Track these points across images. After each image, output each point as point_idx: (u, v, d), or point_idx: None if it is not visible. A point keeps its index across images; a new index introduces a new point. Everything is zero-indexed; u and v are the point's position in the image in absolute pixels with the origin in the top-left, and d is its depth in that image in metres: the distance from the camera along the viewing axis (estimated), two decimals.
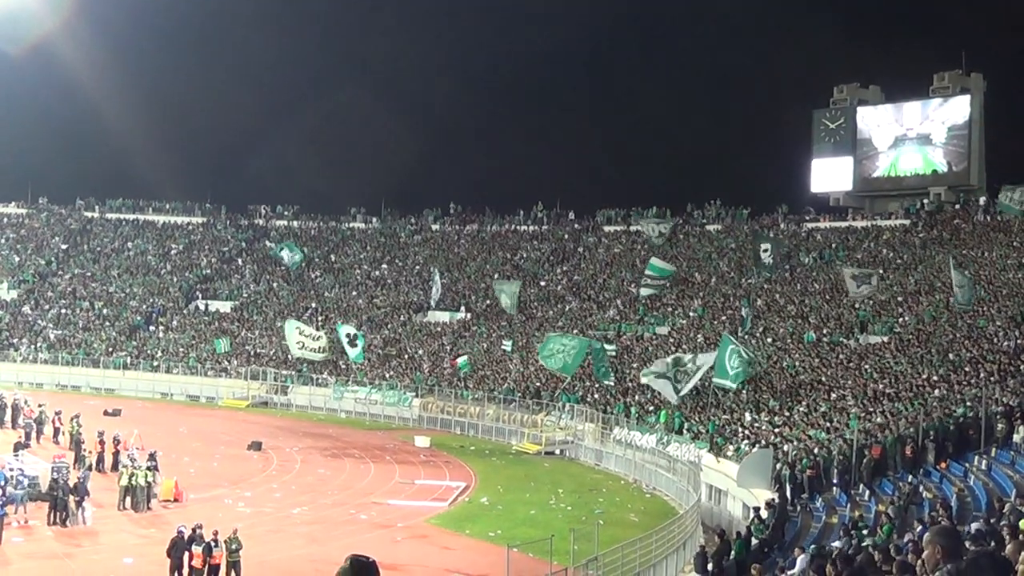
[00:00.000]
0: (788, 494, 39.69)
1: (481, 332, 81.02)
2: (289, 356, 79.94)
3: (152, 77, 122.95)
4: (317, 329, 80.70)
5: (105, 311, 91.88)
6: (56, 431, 54.67)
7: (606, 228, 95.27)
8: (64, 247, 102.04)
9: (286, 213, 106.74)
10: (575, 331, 72.87)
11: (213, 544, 30.91)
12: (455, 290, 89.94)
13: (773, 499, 38.13)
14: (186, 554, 30.99)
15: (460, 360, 74.35)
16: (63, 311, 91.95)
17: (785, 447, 43.90)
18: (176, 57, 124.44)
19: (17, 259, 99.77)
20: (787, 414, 50.07)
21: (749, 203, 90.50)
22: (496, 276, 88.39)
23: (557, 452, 60.39)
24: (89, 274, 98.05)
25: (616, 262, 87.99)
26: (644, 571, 32.77)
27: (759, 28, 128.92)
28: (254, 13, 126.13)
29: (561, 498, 47.73)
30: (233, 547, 31.20)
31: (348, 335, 76.89)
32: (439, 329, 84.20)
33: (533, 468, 56.09)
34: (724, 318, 70.65)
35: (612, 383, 63.86)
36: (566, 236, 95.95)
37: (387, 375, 76.21)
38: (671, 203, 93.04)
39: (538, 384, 67.94)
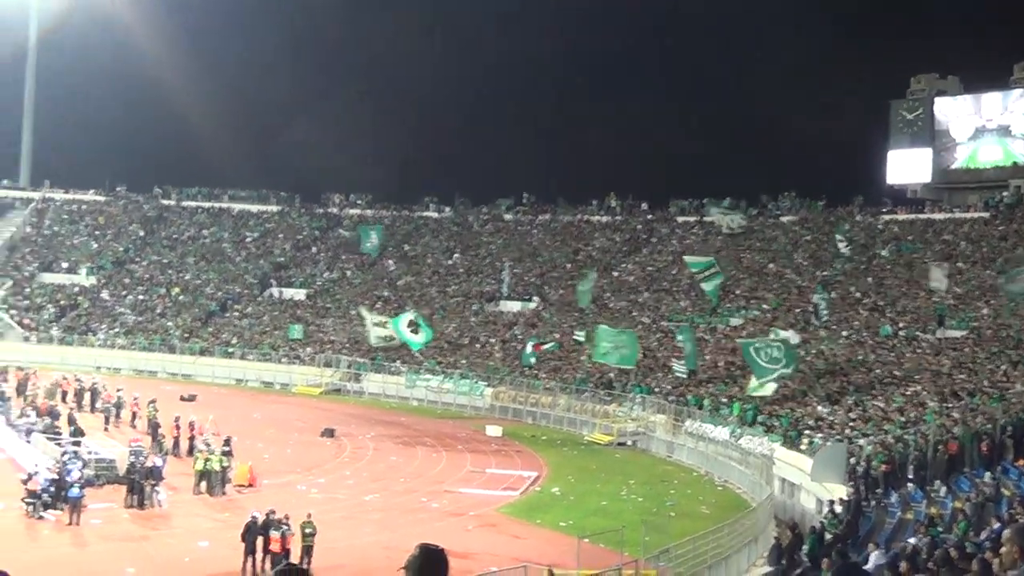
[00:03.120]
0: (862, 489, 39.33)
1: (553, 322, 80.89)
2: (361, 344, 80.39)
3: (229, 67, 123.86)
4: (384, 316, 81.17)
5: (181, 298, 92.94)
6: (134, 415, 55.48)
7: (679, 219, 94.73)
8: (141, 234, 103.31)
9: (359, 202, 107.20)
10: (626, 324, 73.41)
11: (286, 528, 31.24)
12: (527, 280, 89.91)
13: (848, 494, 37.81)
14: (259, 538, 31.31)
15: (547, 346, 74.17)
16: (140, 297, 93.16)
17: (860, 441, 43.52)
18: (253, 46, 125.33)
19: (96, 245, 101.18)
20: (862, 408, 49.61)
21: (824, 195, 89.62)
22: (575, 276, 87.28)
23: (628, 443, 60.24)
24: (166, 261, 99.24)
25: (689, 253, 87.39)
26: (716, 564, 32.63)
27: (837, 17, 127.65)
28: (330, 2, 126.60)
29: (632, 489, 47.61)
30: (307, 531, 31.51)
31: (410, 323, 76.92)
32: (511, 318, 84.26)
33: (604, 459, 55.95)
34: (798, 310, 70.18)
35: (684, 374, 63.83)
36: (639, 226, 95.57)
37: (459, 364, 76.29)
38: (745, 194, 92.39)
39: (611, 375, 67.72)
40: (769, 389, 55.94)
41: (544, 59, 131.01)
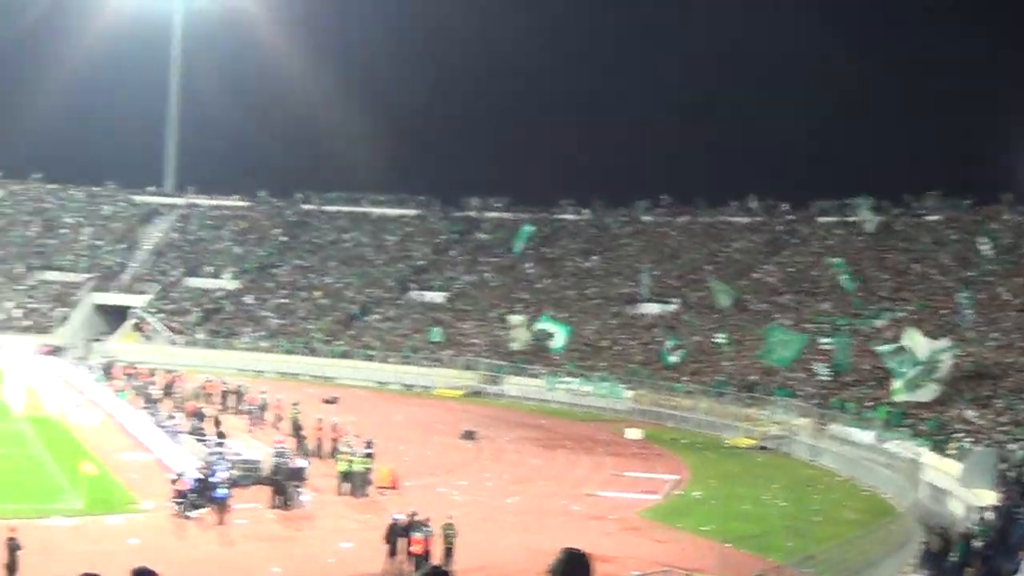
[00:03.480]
0: (1014, 495, 38.25)
1: (693, 324, 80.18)
2: (501, 346, 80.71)
3: (367, 71, 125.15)
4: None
5: (323, 301, 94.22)
6: (277, 417, 56.39)
7: (820, 219, 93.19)
8: (283, 239, 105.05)
9: (497, 205, 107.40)
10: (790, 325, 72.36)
11: (428, 530, 31.42)
12: (666, 282, 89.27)
13: (998, 500, 36.80)
14: (401, 540, 31.53)
15: (679, 351, 73.57)
16: (283, 301, 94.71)
17: (1011, 446, 42.38)
18: (389, 50, 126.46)
19: (239, 250, 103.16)
20: (1013, 412, 48.33)
21: (970, 193, 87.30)
22: (713, 277, 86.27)
23: (771, 447, 59.45)
24: (307, 265, 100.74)
25: (831, 254, 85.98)
26: (862, 570, 31.98)
27: (978, 10, 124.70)
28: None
29: (775, 494, 46.94)
30: (448, 533, 31.65)
31: (546, 329, 77.47)
32: (651, 321, 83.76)
33: (746, 463, 55.33)
34: (944, 311, 68.62)
35: (828, 376, 63.03)
36: (780, 227, 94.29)
37: (599, 366, 76.09)
38: (888, 193, 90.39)
39: (753, 378, 66.95)
40: (926, 395, 54.53)
41: (688, 59, 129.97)
